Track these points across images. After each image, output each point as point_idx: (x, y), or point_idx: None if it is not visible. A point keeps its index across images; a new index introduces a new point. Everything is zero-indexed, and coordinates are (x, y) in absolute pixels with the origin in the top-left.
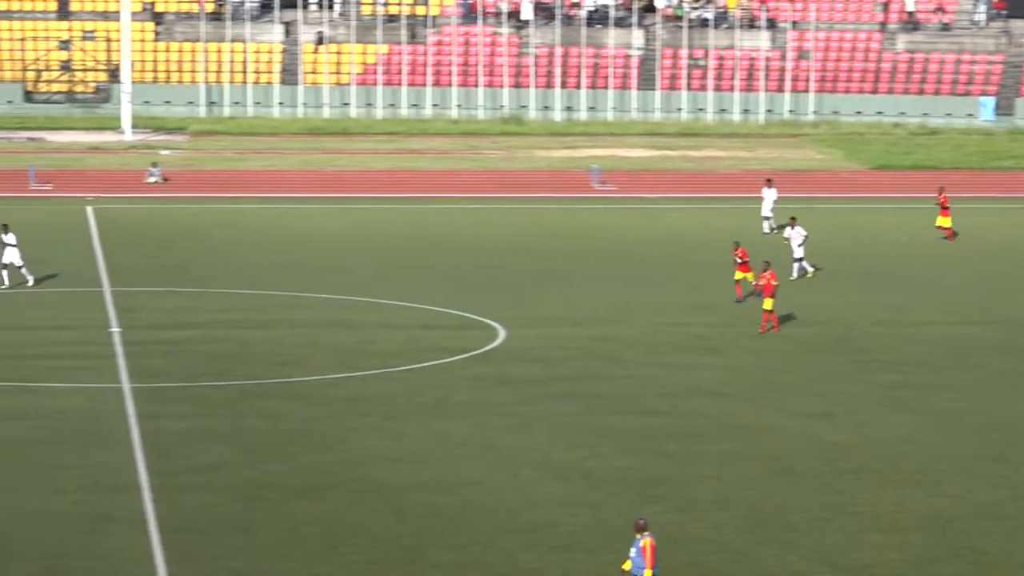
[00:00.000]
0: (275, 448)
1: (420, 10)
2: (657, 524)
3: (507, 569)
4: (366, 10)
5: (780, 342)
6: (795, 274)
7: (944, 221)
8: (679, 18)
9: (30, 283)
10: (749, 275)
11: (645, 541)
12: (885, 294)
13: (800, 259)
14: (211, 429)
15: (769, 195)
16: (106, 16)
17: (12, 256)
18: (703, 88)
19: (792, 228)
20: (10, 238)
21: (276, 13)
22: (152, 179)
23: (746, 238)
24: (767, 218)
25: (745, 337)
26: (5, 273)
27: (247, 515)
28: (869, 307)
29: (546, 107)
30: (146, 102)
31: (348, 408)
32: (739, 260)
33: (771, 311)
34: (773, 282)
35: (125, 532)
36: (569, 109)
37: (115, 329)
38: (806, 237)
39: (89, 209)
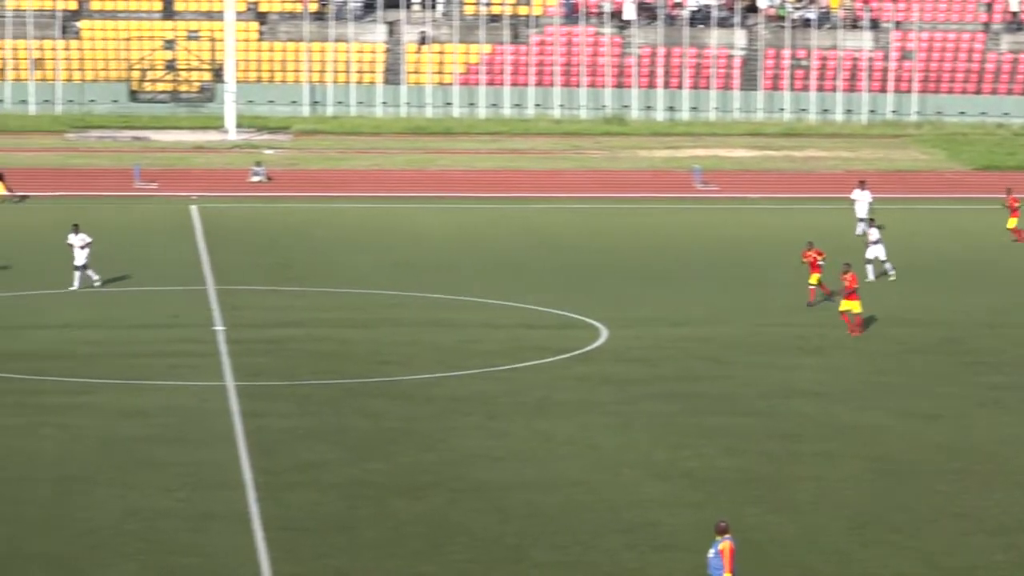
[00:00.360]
0: (377, 447)
1: (523, 10)
2: (758, 525)
3: (609, 569)
4: (469, 10)
5: (883, 343)
6: (872, 276)
7: (1012, 222)
8: (781, 18)
9: (94, 284)
10: (814, 278)
11: (724, 544)
12: (989, 295)
13: (874, 260)
14: (314, 427)
15: (863, 197)
16: (210, 16)
17: (82, 257)
18: (805, 88)
19: (869, 228)
20: (79, 239)
21: (379, 13)
22: (256, 178)
23: (842, 240)
24: (862, 220)
25: (846, 338)
26: (78, 275)
27: (350, 513)
28: (973, 308)
29: (648, 107)
30: (250, 101)
31: (450, 407)
32: (810, 261)
33: (856, 313)
34: (854, 284)
35: (229, 530)
36: (671, 109)
37: (219, 327)
38: (878, 240)
39: (193, 208)
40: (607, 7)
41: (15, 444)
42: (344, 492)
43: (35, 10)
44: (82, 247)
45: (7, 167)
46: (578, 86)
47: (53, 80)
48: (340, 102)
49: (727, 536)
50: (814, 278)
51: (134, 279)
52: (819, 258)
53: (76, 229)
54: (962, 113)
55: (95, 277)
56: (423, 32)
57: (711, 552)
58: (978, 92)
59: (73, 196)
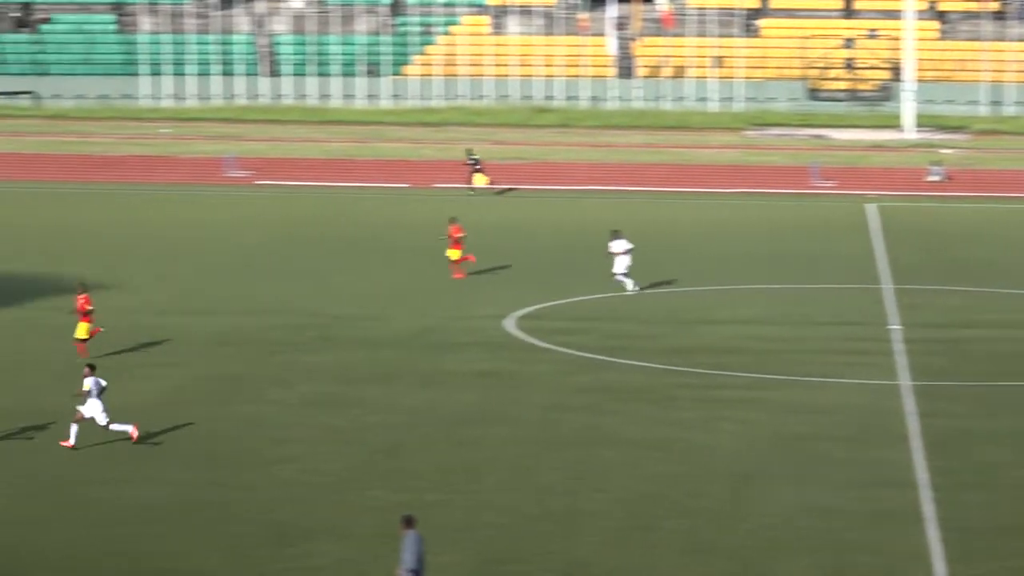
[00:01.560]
0: None
1: None
2: None
3: None
4: None
5: None
6: None
7: None
8: None
9: (629, 291)
10: None
11: None
12: None
13: None
14: (991, 429)
15: None
16: (890, 15)
17: (621, 264)
18: None
19: None
20: (619, 245)
21: None
22: (933, 178)
23: None
24: None
25: None
26: (626, 281)
27: None
28: None
29: None
30: (928, 101)
31: None
32: None
33: None
34: None
35: (902, 529)
36: None
37: (895, 326)
38: None
39: (870, 207)
40: None
41: (695, 438)
42: (1020, 494)
43: (717, 8)
44: (623, 253)
45: (688, 163)
46: None
47: (732, 78)
48: (1019, 102)
49: None
50: None
51: (807, 277)
52: None
53: (617, 235)
54: None
55: (631, 285)
56: None
57: None
58: None
59: (749, 193)
